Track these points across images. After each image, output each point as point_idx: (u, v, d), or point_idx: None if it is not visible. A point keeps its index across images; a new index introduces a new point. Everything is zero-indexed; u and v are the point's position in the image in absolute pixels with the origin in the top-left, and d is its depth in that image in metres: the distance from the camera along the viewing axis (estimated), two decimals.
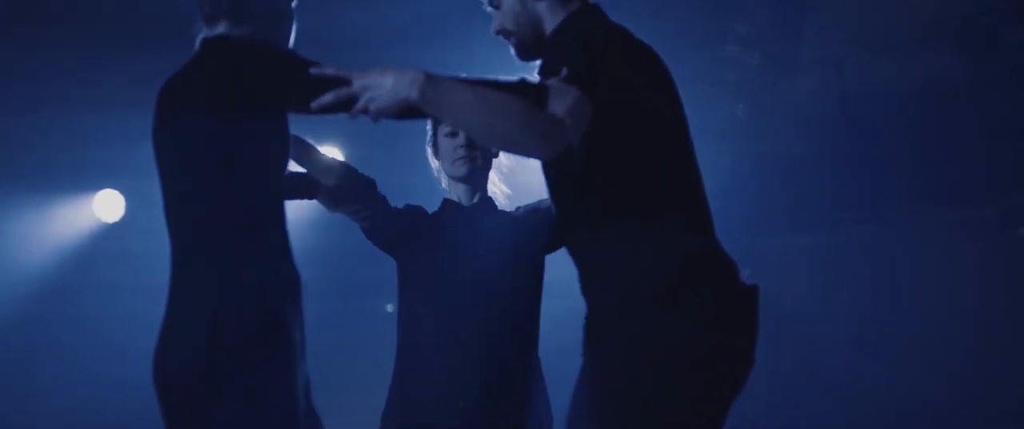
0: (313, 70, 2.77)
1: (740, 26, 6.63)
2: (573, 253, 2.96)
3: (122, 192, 7.45)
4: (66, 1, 6.19)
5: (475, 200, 3.97)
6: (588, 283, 2.92)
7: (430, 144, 4.01)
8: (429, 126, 3.99)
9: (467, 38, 5.56)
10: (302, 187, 3.66)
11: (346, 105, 2.74)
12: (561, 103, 2.68)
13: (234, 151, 2.90)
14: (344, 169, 3.79)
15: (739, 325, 2.83)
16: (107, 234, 7.40)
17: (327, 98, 2.73)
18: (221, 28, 3.05)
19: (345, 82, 2.73)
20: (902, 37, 6.47)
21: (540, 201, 3.91)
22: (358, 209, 3.83)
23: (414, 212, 3.98)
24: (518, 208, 3.99)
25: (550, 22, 3.01)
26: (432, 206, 4.02)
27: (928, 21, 6.44)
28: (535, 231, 3.85)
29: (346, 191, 3.77)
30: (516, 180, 4.03)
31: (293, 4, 3.15)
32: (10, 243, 7.18)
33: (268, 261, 2.95)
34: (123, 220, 7.41)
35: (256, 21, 3.05)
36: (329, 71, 2.76)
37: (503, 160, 4.00)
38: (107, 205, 7.44)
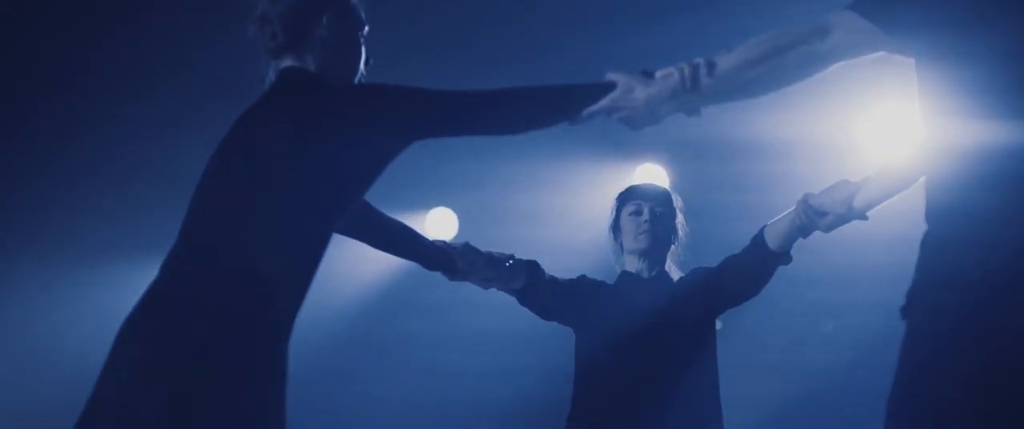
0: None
1: None
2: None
3: (455, 210, 7.39)
4: None
5: (653, 273, 4.19)
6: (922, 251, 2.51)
7: (611, 226, 4.28)
8: (612, 209, 4.28)
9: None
10: (440, 261, 3.76)
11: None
12: None
13: (322, 177, 2.80)
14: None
15: None
16: None
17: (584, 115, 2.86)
18: (288, 61, 3.00)
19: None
20: None
21: (707, 268, 4.10)
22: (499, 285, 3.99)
23: (588, 282, 4.20)
24: (693, 269, 4.18)
25: None
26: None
27: None
28: (705, 292, 4.04)
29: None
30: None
31: (361, 34, 3.09)
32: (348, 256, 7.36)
33: (291, 289, 2.80)
34: (456, 238, 7.26)
35: (319, 49, 2.99)
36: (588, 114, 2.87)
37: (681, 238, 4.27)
38: (440, 223, 7.35)
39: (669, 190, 4.32)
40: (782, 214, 3.90)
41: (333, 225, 2.91)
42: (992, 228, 2.34)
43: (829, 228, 3.78)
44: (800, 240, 3.91)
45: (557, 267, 4.28)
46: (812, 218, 3.77)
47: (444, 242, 3.83)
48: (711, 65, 2.70)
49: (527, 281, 4.01)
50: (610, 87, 2.87)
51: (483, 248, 3.92)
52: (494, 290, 4.08)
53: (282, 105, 2.89)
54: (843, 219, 3.73)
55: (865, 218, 3.69)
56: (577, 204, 6.64)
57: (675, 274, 4.21)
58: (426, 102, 2.86)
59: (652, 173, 6.81)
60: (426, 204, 7.35)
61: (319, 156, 2.79)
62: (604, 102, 2.86)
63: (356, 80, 3.10)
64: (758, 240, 3.95)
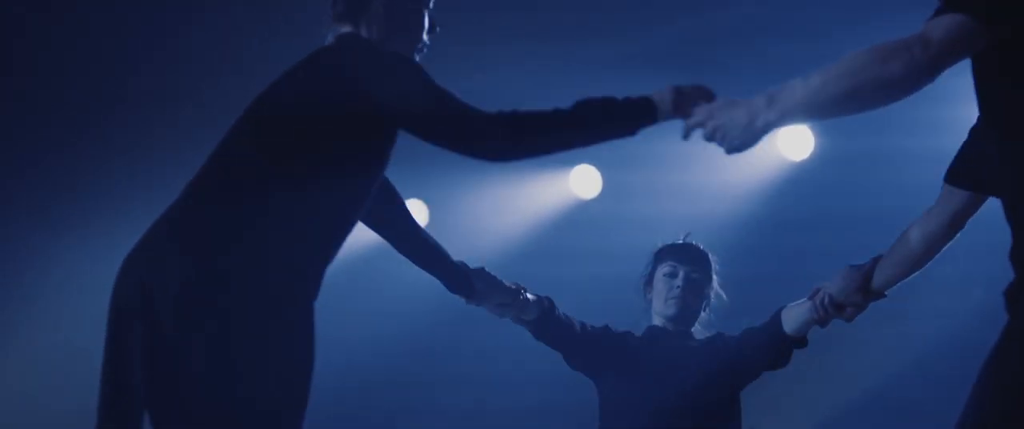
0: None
1: None
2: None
3: (599, 168, 7.27)
4: None
5: (679, 330, 4.14)
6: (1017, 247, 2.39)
7: (644, 279, 4.20)
8: (648, 263, 4.20)
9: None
10: (460, 281, 3.72)
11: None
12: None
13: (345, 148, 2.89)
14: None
15: None
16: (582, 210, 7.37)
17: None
18: (346, 28, 3.09)
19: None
20: None
21: (729, 340, 4.07)
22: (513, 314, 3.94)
23: (613, 335, 4.14)
24: (716, 335, 4.15)
25: None
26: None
27: None
28: (730, 357, 4.01)
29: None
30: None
31: (424, 4, 3.15)
32: (486, 211, 7.40)
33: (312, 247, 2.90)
34: (601, 195, 7.26)
35: (375, 19, 3.07)
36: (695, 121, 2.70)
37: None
38: (584, 181, 7.33)
39: (708, 252, 4.22)
40: (798, 302, 3.84)
41: (346, 192, 2.97)
42: None
43: (851, 319, 3.72)
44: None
45: None
46: (830, 313, 3.71)
47: (463, 263, 3.80)
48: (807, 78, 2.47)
49: (538, 315, 3.98)
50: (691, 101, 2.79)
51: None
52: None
53: (317, 64, 3.00)
54: (863, 307, 3.67)
55: (884, 297, 3.62)
56: None
57: (699, 333, 4.18)
58: (435, 106, 2.88)
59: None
60: (570, 160, 7.26)
61: (327, 115, 2.87)
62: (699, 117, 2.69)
63: (417, 49, 3.16)
64: (775, 323, 3.93)
